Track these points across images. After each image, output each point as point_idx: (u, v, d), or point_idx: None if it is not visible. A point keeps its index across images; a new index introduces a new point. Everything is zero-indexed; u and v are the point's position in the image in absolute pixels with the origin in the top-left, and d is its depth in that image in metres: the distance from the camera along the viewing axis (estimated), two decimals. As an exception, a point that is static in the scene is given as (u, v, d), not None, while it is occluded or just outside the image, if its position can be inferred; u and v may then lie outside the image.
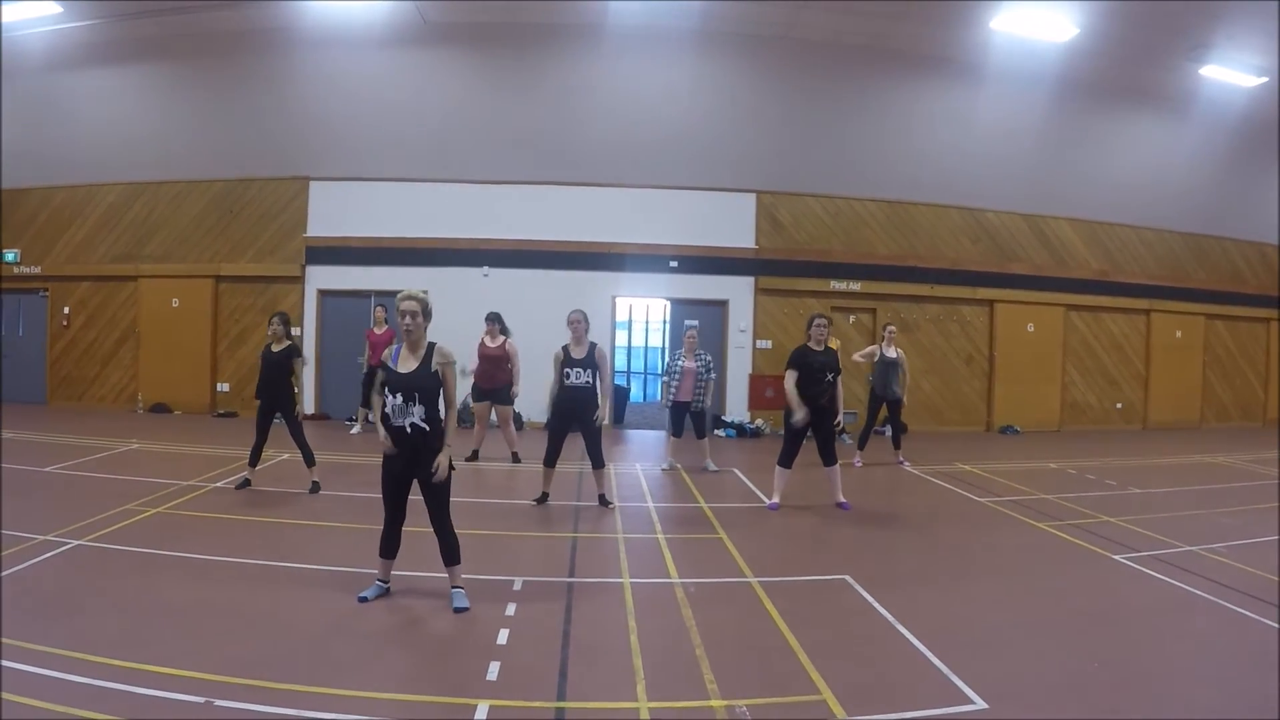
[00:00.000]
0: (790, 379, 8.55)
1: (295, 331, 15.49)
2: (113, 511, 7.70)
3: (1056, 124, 15.82)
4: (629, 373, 21.53)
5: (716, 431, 15.24)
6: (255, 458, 9.22)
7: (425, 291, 5.47)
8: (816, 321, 8.72)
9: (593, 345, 8.64)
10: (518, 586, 5.86)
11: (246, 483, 9.13)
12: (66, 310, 16.61)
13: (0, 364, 16.85)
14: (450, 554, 5.47)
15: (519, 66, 14.71)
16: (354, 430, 13.97)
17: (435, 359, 5.38)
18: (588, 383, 8.55)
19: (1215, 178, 17.37)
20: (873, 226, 16.54)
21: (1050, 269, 17.20)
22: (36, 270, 16.67)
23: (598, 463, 8.70)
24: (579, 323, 8.62)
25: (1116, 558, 7.06)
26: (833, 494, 8.95)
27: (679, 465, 11.34)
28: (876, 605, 5.60)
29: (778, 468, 8.92)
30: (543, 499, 8.74)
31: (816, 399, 8.52)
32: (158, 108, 15.48)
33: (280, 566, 6.24)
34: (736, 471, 11.28)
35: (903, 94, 15.24)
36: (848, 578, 6.21)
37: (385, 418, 5.37)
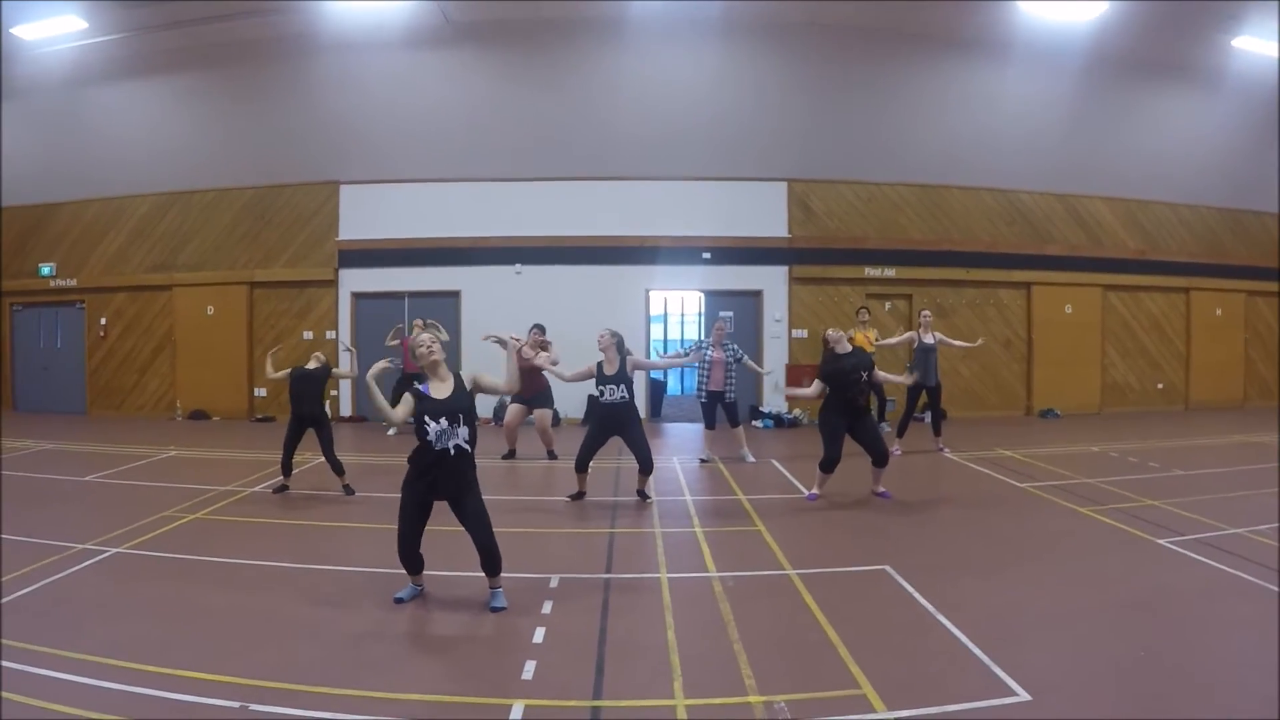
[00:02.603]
0: (815, 389, 8.45)
1: (329, 335, 15.69)
2: (150, 519, 7.77)
3: (1088, 102, 15.50)
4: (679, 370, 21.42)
5: (754, 422, 15.19)
6: (287, 469, 9.22)
7: (430, 323, 5.46)
8: (832, 338, 8.60)
9: (624, 359, 8.49)
10: (554, 584, 5.82)
11: (284, 488, 9.18)
12: (103, 321, 16.90)
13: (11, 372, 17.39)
14: (492, 566, 5.38)
15: (544, 62, 14.70)
16: (391, 432, 14.01)
17: (466, 379, 5.46)
18: (624, 398, 8.41)
19: (1252, 151, 16.86)
20: (906, 211, 16.34)
21: (1087, 249, 16.87)
22: (73, 283, 16.99)
23: (646, 468, 8.51)
24: (608, 342, 8.49)
25: (1161, 542, 6.87)
26: (874, 483, 8.81)
27: (716, 457, 11.24)
28: (917, 596, 5.49)
29: (820, 472, 8.65)
30: (578, 495, 8.71)
31: (855, 401, 8.39)
32: (186, 118, 15.66)
33: (315, 569, 6.25)
34: (774, 462, 11.17)
35: (931, 76, 15.05)
36: (888, 568, 6.11)
37: (425, 445, 5.27)
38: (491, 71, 14.92)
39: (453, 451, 5.26)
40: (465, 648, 4.84)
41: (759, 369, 12.38)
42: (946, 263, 16.24)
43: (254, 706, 3.94)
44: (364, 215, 15.95)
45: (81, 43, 14.18)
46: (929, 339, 11.89)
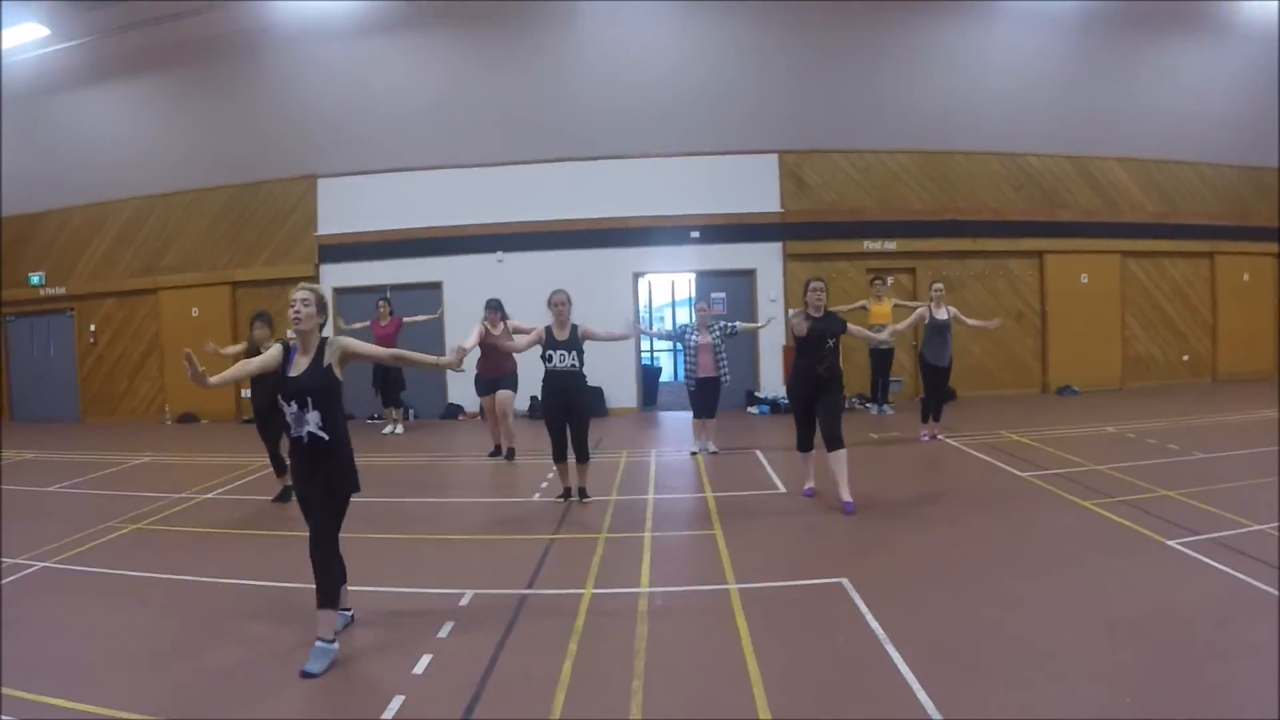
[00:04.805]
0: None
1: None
2: (90, 530, 7.48)
3: (1095, 55, 14.57)
4: (674, 351, 21.03)
5: (749, 409, 14.67)
6: (280, 466, 8.63)
7: (306, 285, 4.74)
8: (812, 285, 7.88)
9: (574, 326, 8.02)
10: (464, 602, 5.29)
11: (287, 492, 8.52)
12: (93, 328, 16.81)
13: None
14: (326, 594, 4.49)
15: (514, 40, 14.08)
16: (387, 430, 13.51)
17: (327, 354, 4.61)
18: (574, 366, 7.92)
19: (1276, 104, 15.71)
20: (906, 180, 15.59)
21: (1102, 214, 15.96)
22: (61, 291, 16.89)
23: (582, 456, 8.09)
24: (563, 304, 7.96)
25: (1171, 543, 6.01)
26: (838, 489, 7.63)
27: (710, 448, 10.63)
28: (869, 617, 4.79)
29: (799, 454, 8.12)
30: (567, 494, 8.27)
31: (812, 370, 7.68)
32: (158, 120, 15.40)
33: (229, 584, 5.85)
34: (758, 453, 10.55)
35: (926, 34, 14.19)
36: (845, 581, 5.42)
37: (287, 428, 4.67)
38: (460, 53, 14.38)
39: (305, 439, 4.57)
40: (338, 679, 4.30)
41: (758, 324, 11.97)
42: (952, 233, 15.46)
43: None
44: (342, 209, 15.60)
45: (47, 50, 14.02)
46: (942, 314, 11.05)
